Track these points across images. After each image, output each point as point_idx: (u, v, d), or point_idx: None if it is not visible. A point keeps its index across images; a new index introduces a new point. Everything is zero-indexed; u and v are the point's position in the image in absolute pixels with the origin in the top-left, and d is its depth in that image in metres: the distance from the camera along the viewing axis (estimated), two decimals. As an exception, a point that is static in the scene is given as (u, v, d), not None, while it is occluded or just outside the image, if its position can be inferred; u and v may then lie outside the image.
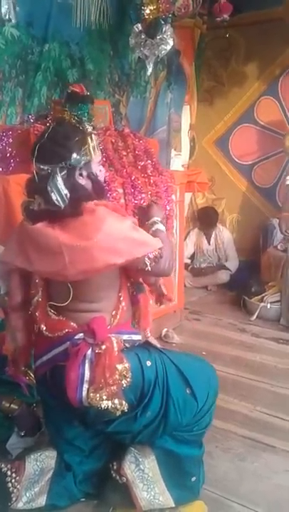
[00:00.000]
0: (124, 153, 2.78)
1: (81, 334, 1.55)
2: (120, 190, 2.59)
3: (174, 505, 1.73)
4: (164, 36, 2.96)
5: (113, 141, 2.79)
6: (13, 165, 2.52)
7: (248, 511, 1.80)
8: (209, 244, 4.49)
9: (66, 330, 1.58)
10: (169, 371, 1.65)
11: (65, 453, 1.79)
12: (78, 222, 1.48)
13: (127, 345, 1.62)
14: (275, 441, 2.20)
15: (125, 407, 1.52)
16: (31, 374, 1.74)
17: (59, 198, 1.48)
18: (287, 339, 3.27)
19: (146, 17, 2.97)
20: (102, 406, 1.49)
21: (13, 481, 1.71)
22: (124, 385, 1.51)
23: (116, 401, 1.50)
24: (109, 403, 1.49)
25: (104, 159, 2.27)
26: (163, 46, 2.98)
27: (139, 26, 3.01)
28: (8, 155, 2.55)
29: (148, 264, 1.53)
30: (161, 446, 1.72)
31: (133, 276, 1.70)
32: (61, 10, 3.10)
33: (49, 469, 1.77)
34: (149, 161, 2.84)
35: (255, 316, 3.57)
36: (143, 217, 1.79)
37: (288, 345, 3.19)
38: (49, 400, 1.75)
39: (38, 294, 1.63)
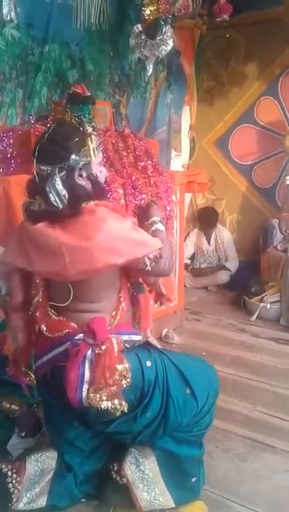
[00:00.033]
0: (125, 153, 2.78)
1: (81, 334, 1.55)
2: (121, 191, 2.60)
3: (174, 506, 1.73)
4: (164, 37, 2.97)
5: (113, 141, 2.79)
6: (13, 166, 2.53)
7: (248, 511, 1.80)
8: (209, 244, 4.49)
9: (66, 330, 1.58)
10: (169, 371, 1.65)
11: (66, 454, 1.80)
12: (78, 222, 1.48)
13: (127, 345, 1.62)
14: (275, 442, 2.20)
15: (125, 407, 1.52)
16: (32, 375, 1.74)
17: (57, 199, 1.48)
18: (287, 339, 3.27)
19: (147, 18, 2.97)
20: (102, 406, 1.49)
21: (13, 481, 1.71)
22: (124, 386, 1.52)
23: (116, 401, 1.50)
24: (109, 403, 1.49)
25: (104, 160, 2.27)
26: (163, 47, 2.98)
27: (139, 27, 3.02)
28: (8, 156, 2.55)
29: (148, 264, 1.53)
30: (162, 446, 1.72)
31: (133, 277, 1.71)
32: (61, 11, 3.10)
33: (50, 470, 1.77)
34: (150, 162, 2.84)
35: (255, 317, 3.57)
36: (142, 217, 1.80)
37: (288, 346, 3.18)
38: (49, 400, 1.76)
39: (39, 294, 1.63)
